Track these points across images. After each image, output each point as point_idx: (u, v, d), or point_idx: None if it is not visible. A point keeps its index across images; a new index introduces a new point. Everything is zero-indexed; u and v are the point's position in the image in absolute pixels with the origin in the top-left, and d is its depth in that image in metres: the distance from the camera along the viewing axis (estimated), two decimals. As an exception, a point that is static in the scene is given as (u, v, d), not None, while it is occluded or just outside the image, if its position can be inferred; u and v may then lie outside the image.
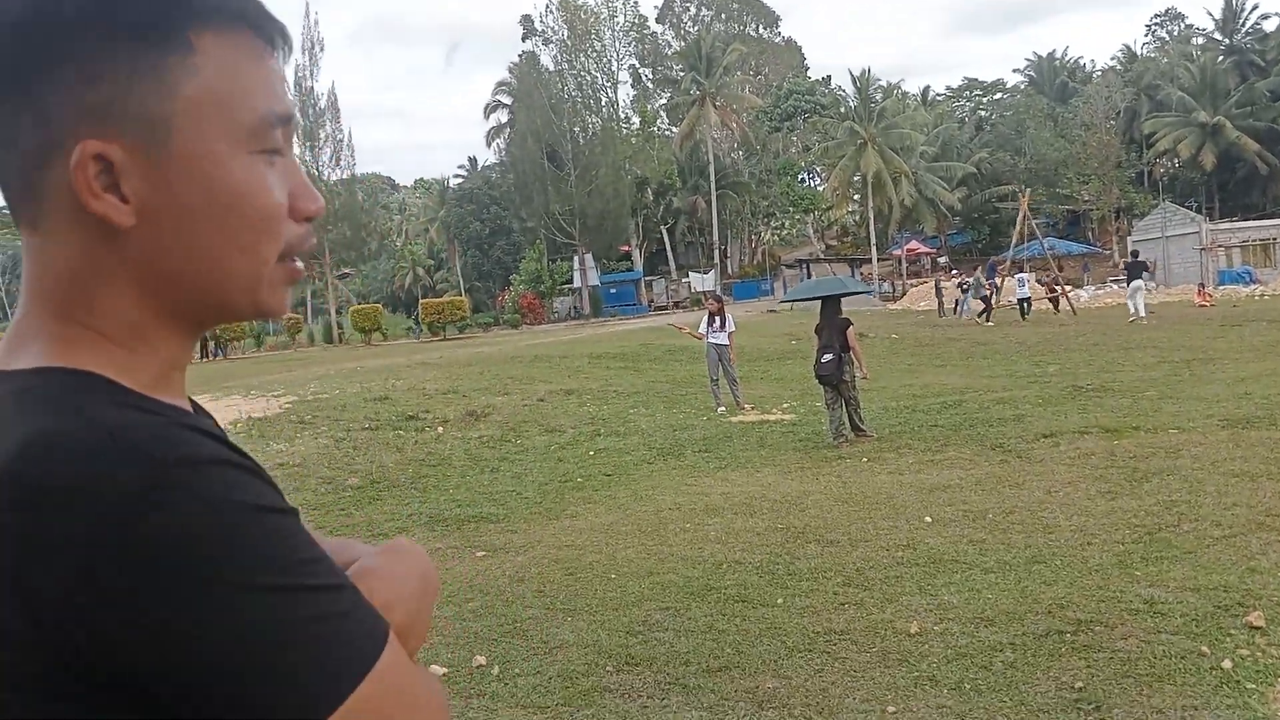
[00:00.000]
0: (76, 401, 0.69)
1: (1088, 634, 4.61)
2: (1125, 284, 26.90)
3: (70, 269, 0.74)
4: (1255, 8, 65.39)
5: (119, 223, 0.72)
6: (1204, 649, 4.30)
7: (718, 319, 14.27)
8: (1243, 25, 65.17)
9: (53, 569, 0.63)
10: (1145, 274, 27.12)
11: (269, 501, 0.69)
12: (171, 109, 0.72)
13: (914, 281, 50.94)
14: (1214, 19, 67.31)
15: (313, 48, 51.19)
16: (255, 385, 18.18)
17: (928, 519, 7.00)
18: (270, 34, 0.78)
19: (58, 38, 0.70)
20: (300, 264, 0.80)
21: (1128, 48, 72.05)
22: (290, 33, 0.81)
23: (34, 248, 0.75)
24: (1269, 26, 64.16)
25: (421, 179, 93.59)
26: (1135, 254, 29.34)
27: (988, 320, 28.68)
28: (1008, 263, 34.07)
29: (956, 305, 32.99)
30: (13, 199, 0.76)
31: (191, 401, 0.88)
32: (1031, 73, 74.52)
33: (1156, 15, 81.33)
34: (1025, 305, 29.07)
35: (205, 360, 37.56)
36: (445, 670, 4.71)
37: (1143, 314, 25.25)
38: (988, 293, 30.08)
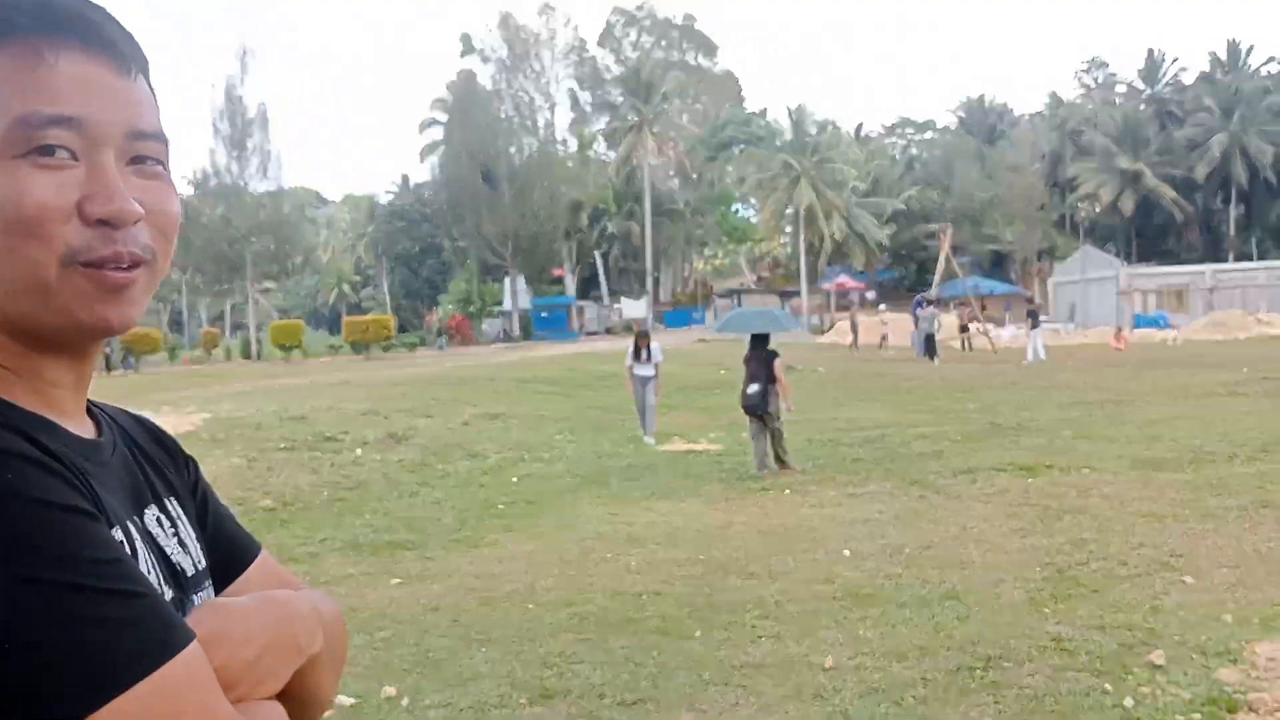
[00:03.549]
0: None
1: (997, 670, 4.67)
2: (1028, 330, 28.78)
3: None
4: (1175, 60, 68.29)
5: None
6: (1108, 686, 4.38)
7: (644, 351, 14.26)
8: (1163, 76, 67.86)
9: None
10: (1043, 320, 29.59)
11: (60, 499, 0.69)
12: None
13: (842, 315, 51.72)
14: (1137, 69, 70.03)
15: (244, 56, 50.34)
16: (167, 401, 17.68)
17: (846, 552, 7.06)
18: (73, 36, 0.77)
19: None
20: (119, 272, 0.77)
21: (1055, 94, 74.47)
22: (109, 30, 0.80)
23: None
24: (1187, 79, 66.95)
25: (351, 194, 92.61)
26: (1031, 299, 31.62)
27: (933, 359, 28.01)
28: (933, 297, 34.83)
29: (882, 340, 33.54)
30: None
31: (105, 418, 0.92)
32: (962, 114, 76.55)
33: (1084, 63, 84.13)
34: (929, 343, 28.35)
35: (111, 374, 36.51)
36: (353, 701, 4.58)
37: (1042, 355, 26.93)
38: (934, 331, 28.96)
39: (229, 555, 0.99)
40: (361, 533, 8.50)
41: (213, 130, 49.42)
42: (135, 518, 0.84)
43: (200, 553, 0.93)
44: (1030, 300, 31.53)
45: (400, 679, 4.89)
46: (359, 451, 12.36)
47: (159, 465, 0.96)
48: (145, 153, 0.80)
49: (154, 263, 0.81)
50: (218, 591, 0.95)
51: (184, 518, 0.93)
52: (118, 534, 0.76)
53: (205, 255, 49.33)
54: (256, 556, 1.02)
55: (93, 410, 0.90)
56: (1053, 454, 10.83)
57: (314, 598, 0.95)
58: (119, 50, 0.79)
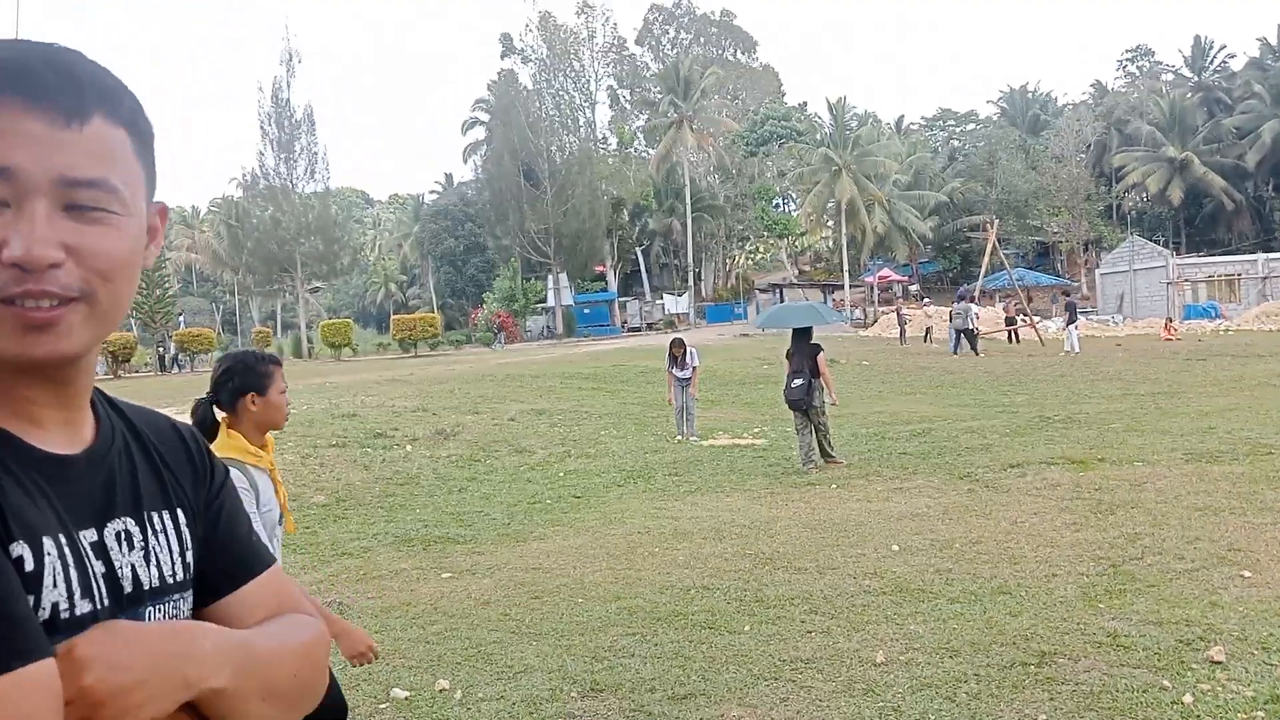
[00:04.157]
0: None
1: (1051, 666, 4.62)
2: (1064, 323, 28.63)
3: None
4: (1224, 47, 66.79)
5: None
6: (1166, 683, 4.32)
7: (681, 358, 14.24)
8: (1211, 62, 66.50)
9: None
10: (1081, 313, 29.75)
11: None
12: None
13: (885, 309, 51.29)
14: (1183, 56, 68.71)
15: (290, 60, 51.02)
16: (222, 399, 17.96)
17: (895, 547, 7.02)
18: (14, 92, 0.83)
19: None
20: (39, 311, 0.84)
21: (1099, 82, 73.31)
22: (54, 83, 0.84)
23: None
24: (1236, 65, 65.51)
25: (396, 194, 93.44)
26: (1067, 292, 31.13)
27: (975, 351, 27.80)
28: (976, 293, 34.41)
29: (926, 334, 33.21)
30: None
31: (116, 426, 0.99)
32: (1004, 104, 75.51)
33: (1127, 51, 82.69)
34: (964, 336, 27.90)
35: (166, 373, 37.26)
36: (407, 694, 4.65)
37: (1077, 348, 26.93)
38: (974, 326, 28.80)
39: (227, 569, 1.04)
40: (413, 527, 8.60)
41: (260, 133, 50.24)
42: (89, 530, 0.90)
43: (179, 566, 0.99)
44: (1066, 293, 31.13)
45: (453, 672, 4.95)
46: (409, 448, 12.51)
47: (167, 474, 1.02)
48: (82, 201, 0.85)
49: (93, 299, 0.86)
50: (211, 600, 1.02)
51: (170, 530, 0.99)
52: (18, 549, 0.82)
53: (256, 256, 50.15)
54: (261, 573, 1.07)
55: (103, 418, 0.98)
56: (1104, 447, 10.68)
57: (274, 631, 1.00)
58: (60, 102, 0.84)
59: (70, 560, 0.87)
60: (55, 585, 0.85)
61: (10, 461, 0.86)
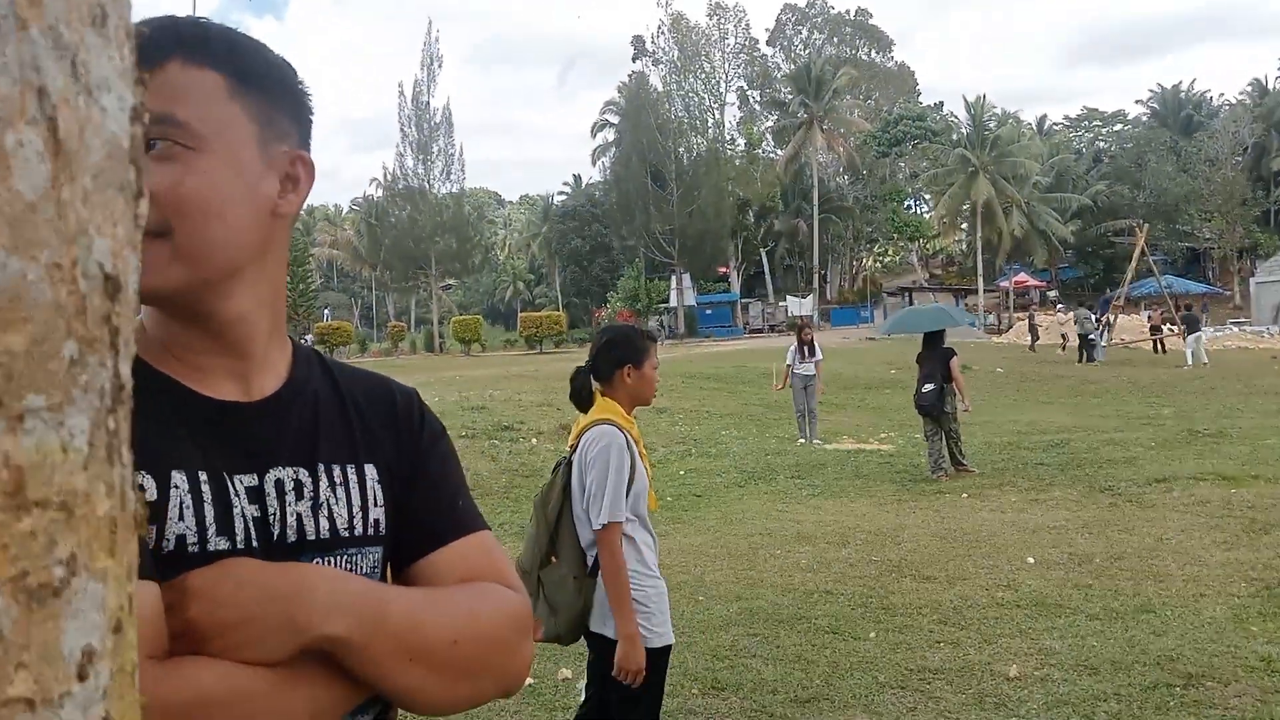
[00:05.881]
0: None
1: (1199, 689, 4.38)
2: (1182, 335, 27.01)
3: None
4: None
5: None
6: (1328, 715, 4.05)
7: (807, 348, 13.93)
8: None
9: None
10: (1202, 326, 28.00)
11: None
12: None
13: (1021, 315, 49.57)
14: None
15: (431, 64, 52.48)
16: (358, 389, 18.61)
17: (1030, 560, 6.77)
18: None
19: None
20: None
21: (1259, 81, 69.07)
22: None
23: None
24: None
25: (527, 195, 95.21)
26: (1189, 307, 29.59)
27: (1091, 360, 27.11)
28: (1122, 300, 32.93)
29: (1064, 341, 31.96)
30: None
31: (308, 383, 1.01)
32: (1154, 104, 71.97)
33: (1291, 47, 77.68)
34: (1083, 342, 27.12)
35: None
36: (531, 681, 4.72)
37: (1204, 360, 25.24)
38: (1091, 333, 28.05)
39: (423, 532, 1.03)
40: (536, 520, 8.73)
41: (400, 134, 51.84)
42: (248, 475, 0.93)
43: (360, 521, 0.99)
44: (1189, 306, 29.49)
45: (575, 663, 4.98)
46: (534, 441, 12.72)
47: (360, 430, 1.03)
48: (152, 135, 0.84)
49: (170, 236, 0.86)
50: (410, 563, 1.02)
51: (355, 483, 1.00)
52: (139, 478, 0.80)
53: (393, 254, 51.93)
54: (454, 540, 1.04)
55: (298, 375, 1.00)
56: (1258, 463, 10.07)
57: (436, 594, 0.96)
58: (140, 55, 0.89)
59: (208, 497, 0.89)
60: (182, 518, 0.87)
61: (163, 401, 0.88)
